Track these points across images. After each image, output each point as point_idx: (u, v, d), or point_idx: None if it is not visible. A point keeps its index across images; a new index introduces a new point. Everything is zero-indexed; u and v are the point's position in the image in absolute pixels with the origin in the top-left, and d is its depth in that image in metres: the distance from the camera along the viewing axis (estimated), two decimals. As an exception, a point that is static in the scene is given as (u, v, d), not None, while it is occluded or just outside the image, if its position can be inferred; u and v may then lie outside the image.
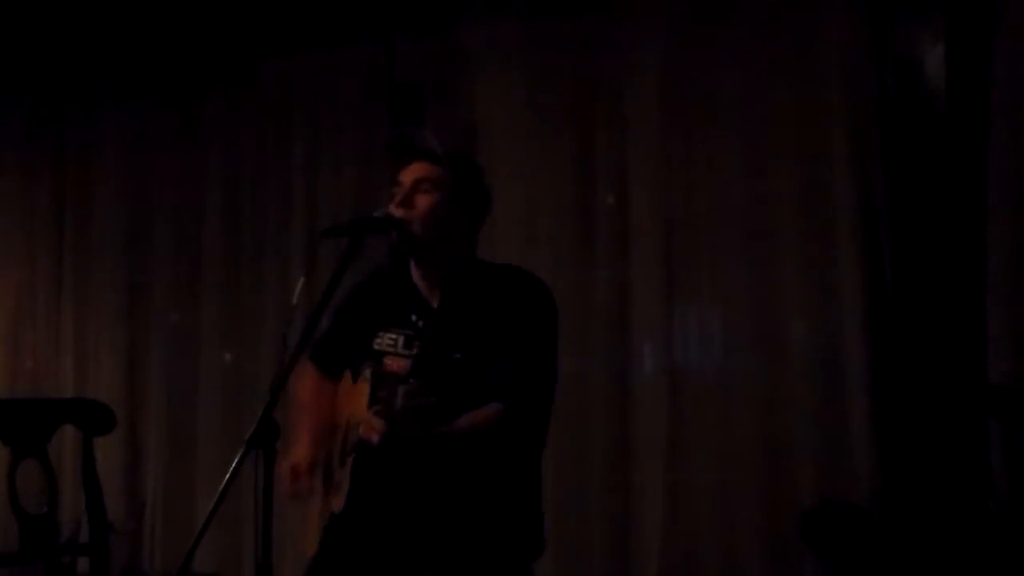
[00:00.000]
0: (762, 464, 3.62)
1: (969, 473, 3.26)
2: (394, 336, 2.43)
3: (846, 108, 3.55)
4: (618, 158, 3.95)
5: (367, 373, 2.36)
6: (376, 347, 2.44)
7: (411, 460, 2.25)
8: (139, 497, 4.98)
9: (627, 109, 3.95)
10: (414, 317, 2.42)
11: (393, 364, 2.39)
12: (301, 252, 4.57)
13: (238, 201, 4.85)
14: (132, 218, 5.13)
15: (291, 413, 2.55)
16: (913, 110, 3.46)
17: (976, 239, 3.27)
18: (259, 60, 4.79)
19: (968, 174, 3.32)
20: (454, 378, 2.22)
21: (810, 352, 3.59)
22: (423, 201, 2.36)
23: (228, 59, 4.82)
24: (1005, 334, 3.20)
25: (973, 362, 3.26)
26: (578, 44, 4.06)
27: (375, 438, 2.15)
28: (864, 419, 3.44)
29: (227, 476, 2.00)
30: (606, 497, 3.87)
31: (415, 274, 2.46)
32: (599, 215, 3.99)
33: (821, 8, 3.62)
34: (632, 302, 3.90)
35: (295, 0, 4.46)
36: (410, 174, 2.39)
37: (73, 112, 5.31)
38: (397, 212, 2.35)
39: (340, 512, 2.32)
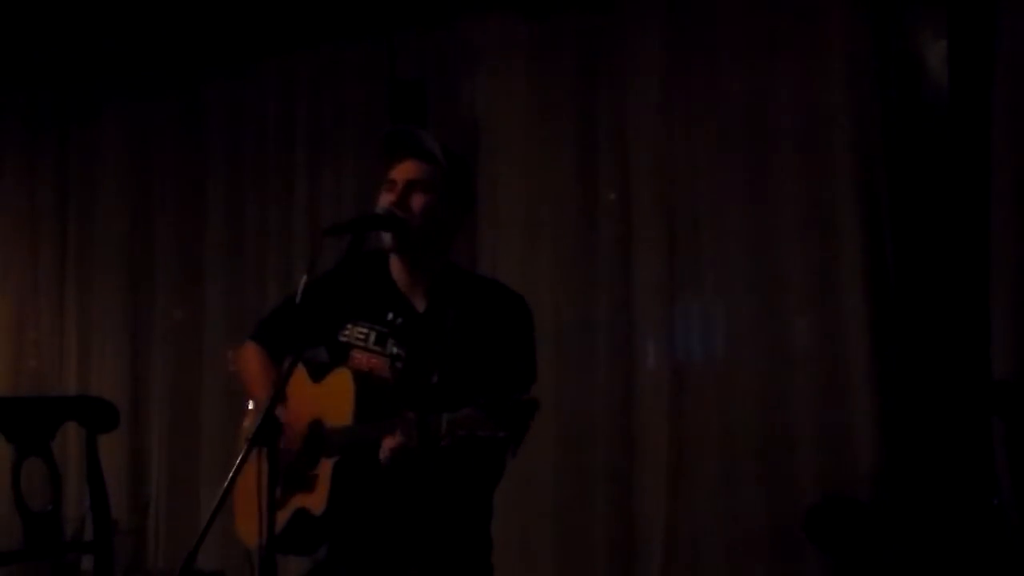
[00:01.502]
0: (764, 459, 3.62)
1: (972, 469, 3.26)
2: (365, 331, 2.41)
3: (848, 104, 3.54)
4: (620, 154, 3.96)
5: (344, 373, 2.32)
6: (343, 339, 2.42)
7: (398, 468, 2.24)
8: (143, 495, 4.99)
9: (629, 105, 3.95)
10: (391, 315, 2.40)
11: (361, 360, 2.38)
12: (303, 250, 4.58)
13: (240, 199, 4.86)
14: (134, 216, 5.15)
15: (246, 385, 2.54)
16: (915, 106, 3.46)
17: (979, 235, 3.27)
18: (260, 58, 4.79)
19: (971, 170, 3.32)
20: (429, 398, 2.19)
21: (813, 347, 3.59)
22: (418, 202, 2.35)
23: (229, 57, 4.83)
24: (1008, 330, 3.20)
25: (976, 358, 3.26)
26: (580, 40, 4.06)
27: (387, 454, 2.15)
28: (867, 415, 3.44)
29: (231, 474, 2.00)
30: (609, 491, 3.88)
31: (396, 271, 2.44)
32: (601, 211, 3.99)
33: (823, 5, 3.62)
34: (634, 297, 3.90)
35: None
36: (402, 173, 2.38)
37: (75, 111, 5.32)
38: (398, 212, 2.34)
39: (321, 514, 2.29)
